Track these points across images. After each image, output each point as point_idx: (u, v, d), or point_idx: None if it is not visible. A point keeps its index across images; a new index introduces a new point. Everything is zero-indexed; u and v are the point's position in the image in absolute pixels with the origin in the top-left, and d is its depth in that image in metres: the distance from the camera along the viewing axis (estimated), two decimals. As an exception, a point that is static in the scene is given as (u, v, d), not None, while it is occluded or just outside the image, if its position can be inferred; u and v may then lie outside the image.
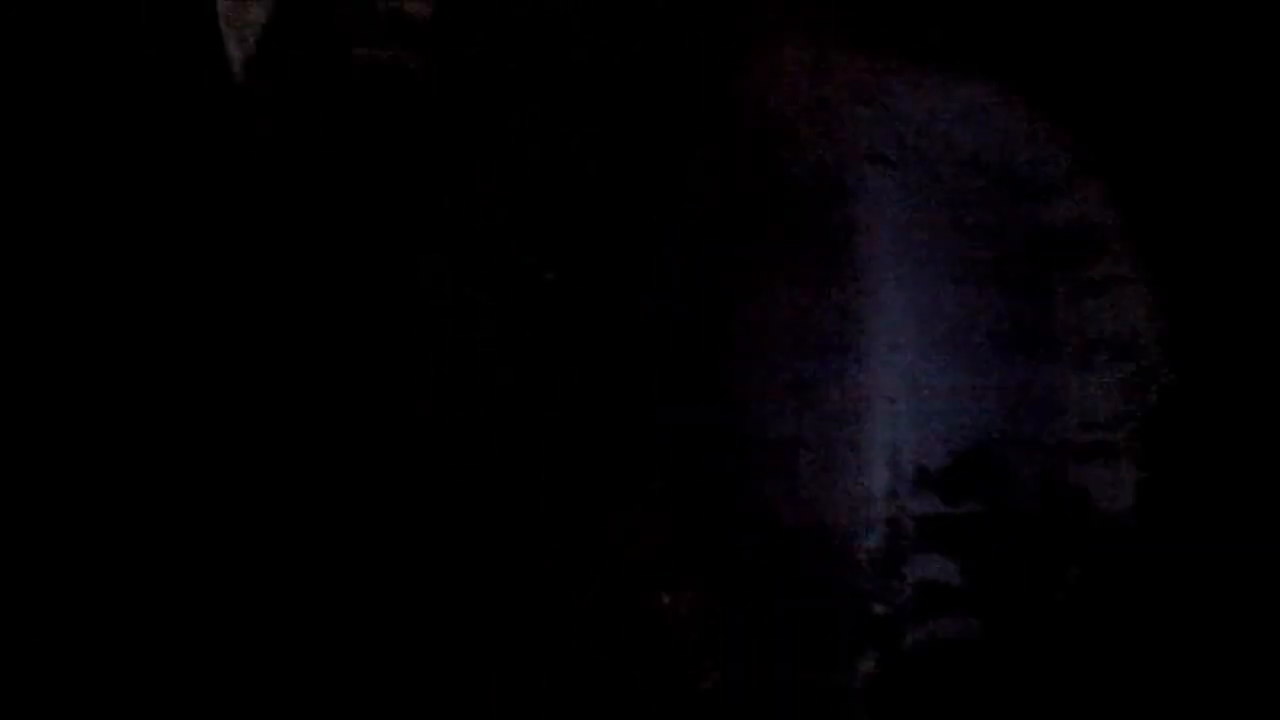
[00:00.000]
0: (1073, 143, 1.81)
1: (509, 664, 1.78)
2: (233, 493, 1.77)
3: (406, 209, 1.80)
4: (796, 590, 1.76)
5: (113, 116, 1.78)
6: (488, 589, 1.78)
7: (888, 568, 1.76)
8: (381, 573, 1.78)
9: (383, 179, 1.79)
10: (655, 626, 1.76)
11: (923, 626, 1.76)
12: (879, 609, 1.75)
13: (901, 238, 1.77)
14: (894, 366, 1.77)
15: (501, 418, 1.78)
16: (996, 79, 1.81)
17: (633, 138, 1.79)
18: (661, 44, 1.79)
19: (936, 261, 1.78)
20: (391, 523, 1.78)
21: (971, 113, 1.80)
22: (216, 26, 1.80)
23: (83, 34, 1.79)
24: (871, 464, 1.76)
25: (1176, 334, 1.81)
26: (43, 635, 1.77)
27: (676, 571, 1.77)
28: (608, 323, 1.78)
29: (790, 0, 1.82)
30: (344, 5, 1.81)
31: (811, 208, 1.77)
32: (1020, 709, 1.78)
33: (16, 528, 1.76)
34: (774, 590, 1.76)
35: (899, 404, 1.76)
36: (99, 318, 1.78)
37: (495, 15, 1.79)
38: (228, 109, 1.79)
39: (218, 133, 1.79)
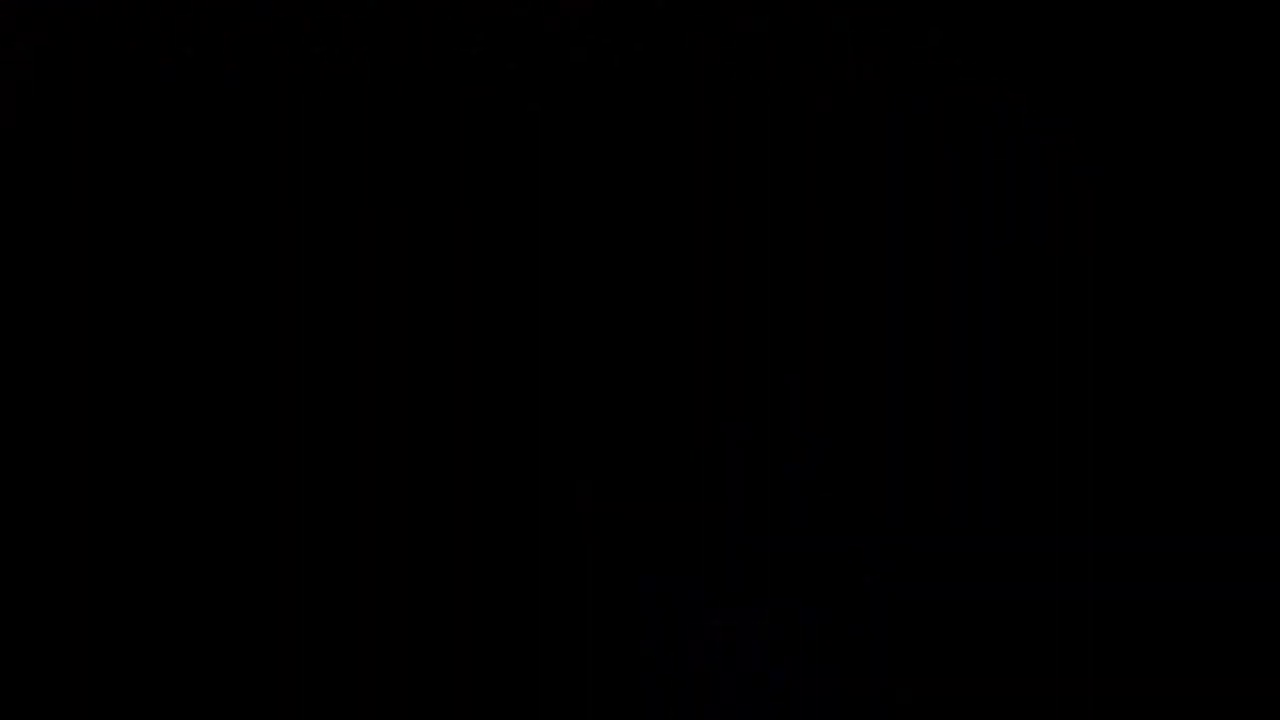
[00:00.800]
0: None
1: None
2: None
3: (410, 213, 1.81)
4: None
5: None
6: (484, 581, 1.79)
7: None
8: (377, 569, 1.79)
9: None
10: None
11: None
12: None
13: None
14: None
15: (500, 417, 1.79)
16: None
17: (633, 138, 1.79)
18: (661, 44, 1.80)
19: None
20: (388, 519, 1.79)
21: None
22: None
23: None
24: None
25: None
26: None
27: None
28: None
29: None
30: None
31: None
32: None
33: None
34: None
35: None
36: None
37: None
38: None
39: None
